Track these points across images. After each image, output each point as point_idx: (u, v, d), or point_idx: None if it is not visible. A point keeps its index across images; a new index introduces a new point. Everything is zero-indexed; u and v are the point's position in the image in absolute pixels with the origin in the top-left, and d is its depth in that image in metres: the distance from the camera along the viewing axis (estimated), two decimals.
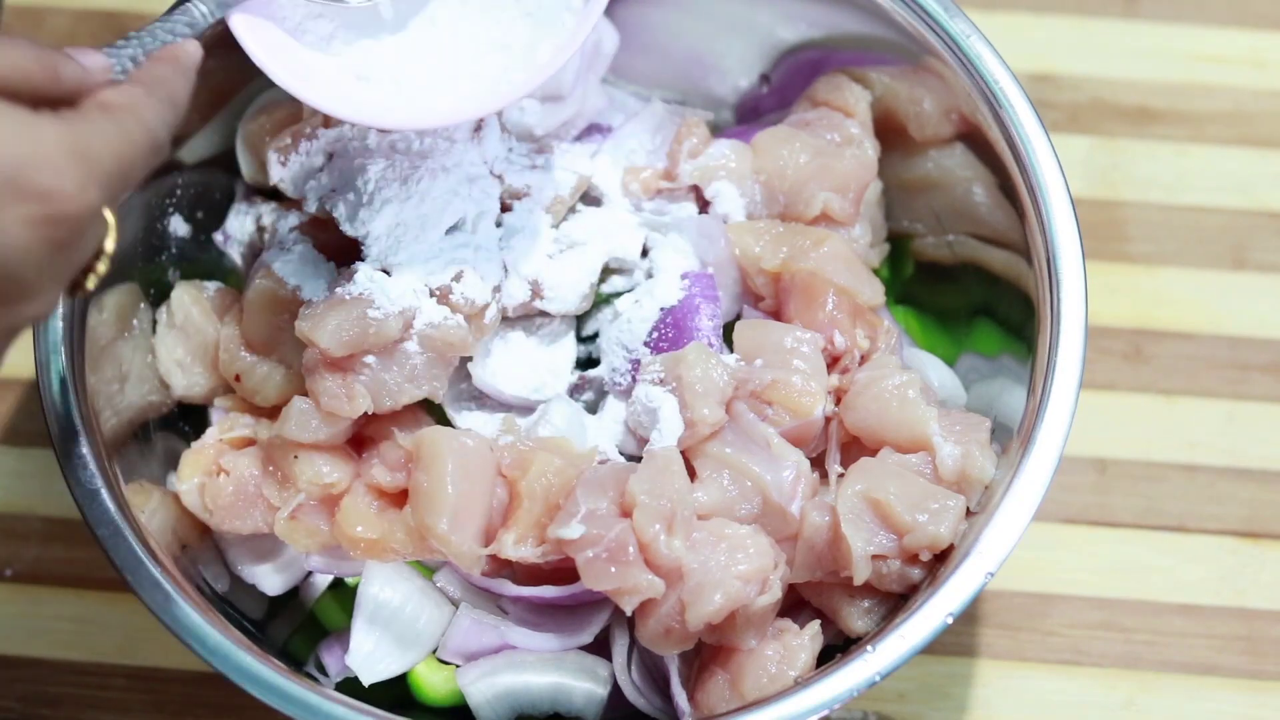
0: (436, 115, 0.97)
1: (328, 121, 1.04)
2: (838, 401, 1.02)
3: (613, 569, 0.94)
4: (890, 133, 1.10)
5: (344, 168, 1.03)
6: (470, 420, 1.04)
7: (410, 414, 1.02)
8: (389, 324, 0.99)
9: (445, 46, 0.99)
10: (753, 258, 1.05)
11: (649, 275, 1.05)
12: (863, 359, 1.04)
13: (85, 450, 0.97)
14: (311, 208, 1.04)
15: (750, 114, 1.16)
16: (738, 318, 1.06)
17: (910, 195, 1.12)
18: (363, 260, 1.01)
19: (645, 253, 1.07)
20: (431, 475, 0.97)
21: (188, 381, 1.05)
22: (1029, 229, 1.02)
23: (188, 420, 1.08)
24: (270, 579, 1.06)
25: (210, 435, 1.04)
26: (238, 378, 1.03)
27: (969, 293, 1.11)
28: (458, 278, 1.00)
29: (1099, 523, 1.17)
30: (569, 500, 0.97)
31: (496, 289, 1.01)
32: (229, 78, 1.09)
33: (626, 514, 0.96)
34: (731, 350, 1.03)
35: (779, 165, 1.07)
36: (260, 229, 1.08)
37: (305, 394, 1.00)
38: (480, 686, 1.01)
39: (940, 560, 0.98)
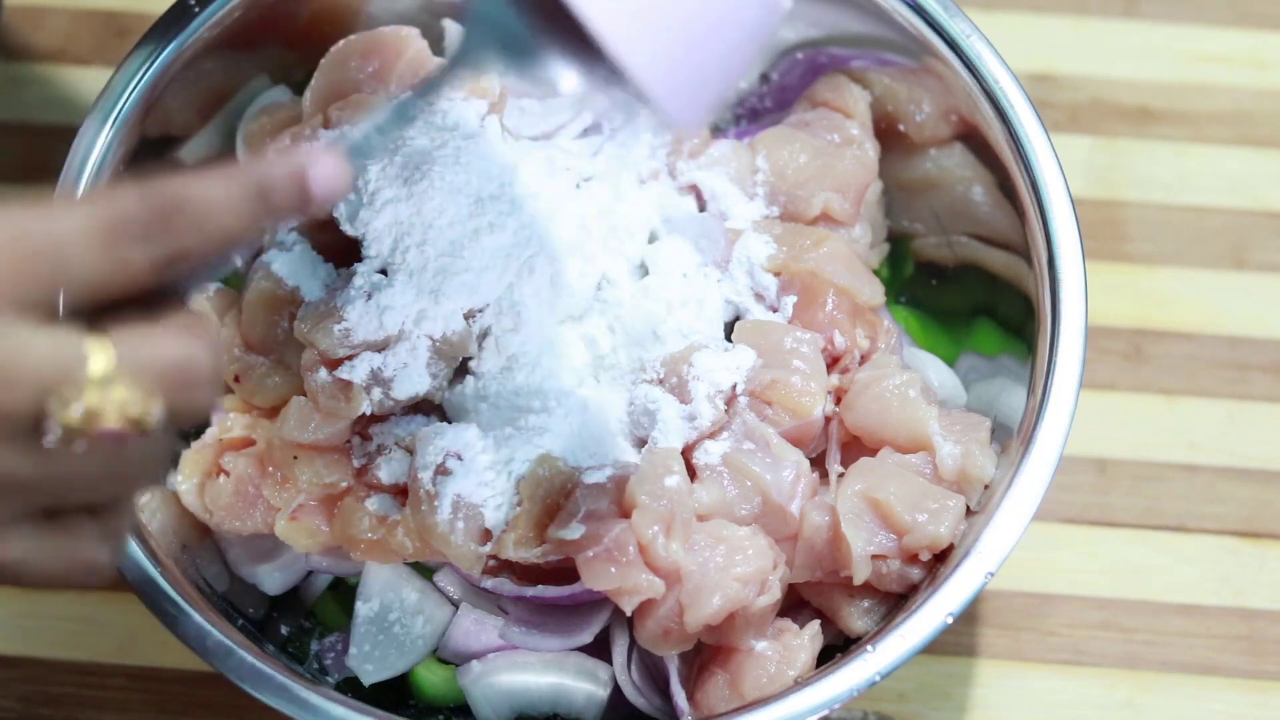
0: None
1: (327, 122, 1.04)
2: (838, 401, 1.02)
3: (612, 569, 0.94)
4: (890, 133, 1.10)
5: None
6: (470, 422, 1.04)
7: (410, 414, 1.02)
8: (388, 324, 0.99)
9: None
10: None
11: (646, 273, 1.05)
12: (863, 359, 1.04)
13: None
14: None
15: (750, 114, 1.16)
16: (738, 317, 1.06)
17: (910, 195, 1.12)
18: (362, 260, 1.01)
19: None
20: None
21: None
22: (1029, 229, 1.02)
23: None
24: (270, 579, 1.06)
25: (210, 435, 1.04)
26: (237, 378, 1.03)
27: (969, 293, 1.11)
28: (458, 276, 1.00)
29: (1099, 523, 1.17)
30: (569, 501, 0.97)
31: None
32: (229, 78, 1.09)
33: (626, 515, 0.96)
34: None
35: (779, 165, 1.07)
36: (260, 229, 1.07)
37: (304, 394, 1.00)
38: (480, 686, 1.02)
39: (940, 560, 0.98)
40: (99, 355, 0.70)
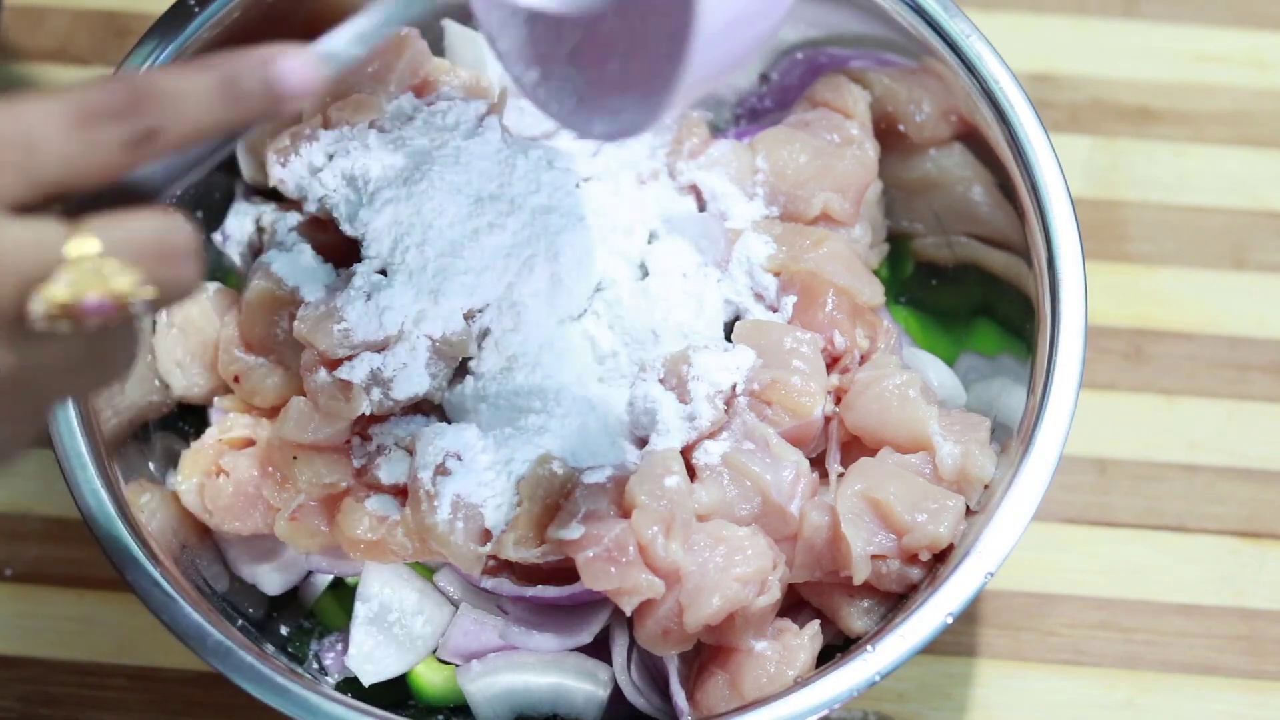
0: None
1: (327, 122, 1.04)
2: (838, 401, 1.02)
3: (612, 569, 0.94)
4: (890, 133, 1.10)
5: (344, 168, 1.03)
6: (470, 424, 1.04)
7: (410, 414, 1.02)
8: (388, 324, 0.99)
9: None
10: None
11: (646, 273, 1.05)
12: (863, 359, 1.04)
13: (85, 450, 0.97)
14: (312, 208, 1.04)
15: (750, 114, 1.16)
16: (738, 317, 1.06)
17: (910, 195, 1.12)
18: (362, 260, 1.01)
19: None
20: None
21: (187, 381, 1.06)
22: (1029, 229, 1.02)
23: (188, 420, 1.08)
24: (270, 579, 1.06)
25: (210, 435, 1.04)
26: (236, 378, 1.03)
27: (969, 293, 1.11)
28: (458, 277, 1.00)
29: (1099, 523, 1.17)
30: (569, 501, 0.97)
31: None
32: None
33: (626, 515, 0.96)
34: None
35: (779, 165, 1.07)
36: (260, 229, 1.08)
37: (304, 394, 1.00)
38: (480, 686, 1.02)
39: (940, 560, 0.98)
40: (78, 237, 0.70)
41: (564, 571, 0.99)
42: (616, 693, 1.02)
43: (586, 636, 1.02)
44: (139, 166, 0.72)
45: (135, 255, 0.71)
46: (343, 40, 0.78)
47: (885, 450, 1.00)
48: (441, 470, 0.98)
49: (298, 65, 0.74)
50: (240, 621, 1.00)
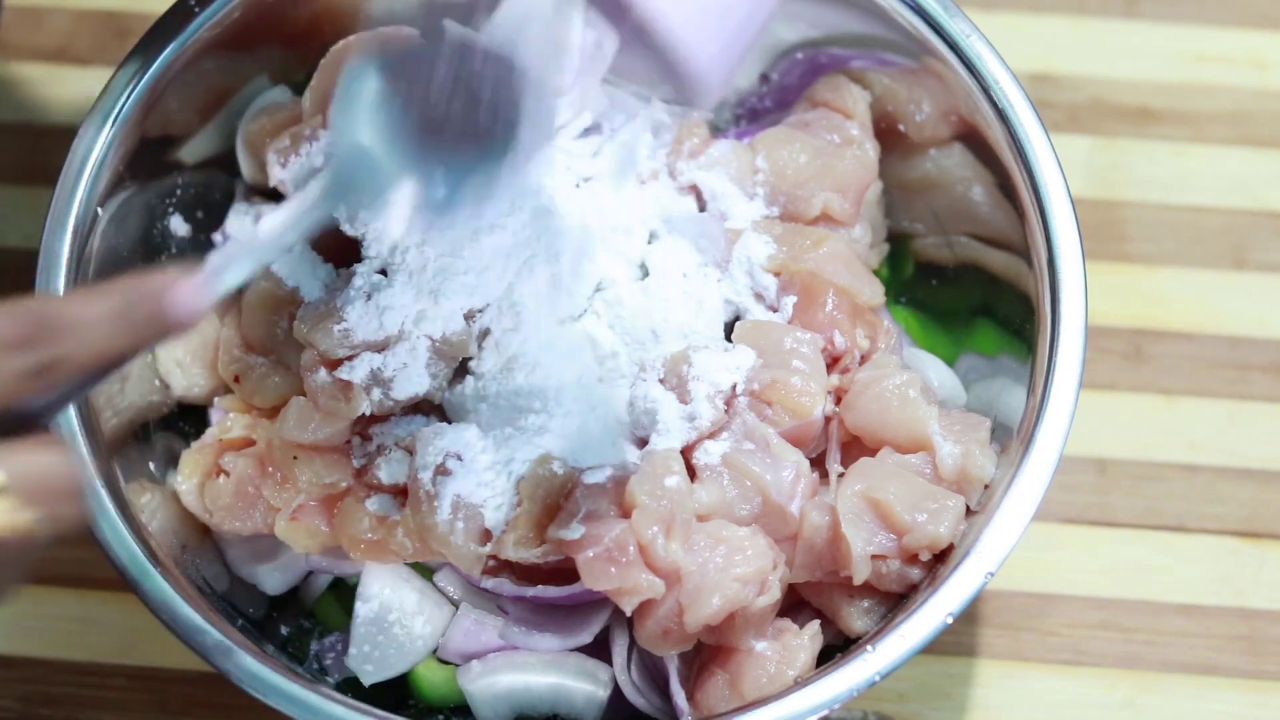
0: None
1: (326, 122, 1.04)
2: (838, 401, 1.02)
3: (612, 569, 0.94)
4: (890, 133, 1.10)
5: None
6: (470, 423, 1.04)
7: (410, 414, 1.02)
8: (388, 324, 0.99)
9: None
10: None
11: (646, 273, 1.05)
12: (863, 359, 1.04)
13: (85, 450, 0.97)
14: None
15: (750, 114, 1.15)
16: (738, 317, 1.06)
17: (910, 195, 1.12)
18: (362, 260, 1.01)
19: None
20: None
21: (187, 382, 1.05)
22: (1029, 229, 1.02)
23: (188, 420, 1.08)
24: (270, 578, 1.06)
25: (210, 435, 1.04)
26: (237, 378, 1.03)
27: (969, 293, 1.11)
28: (458, 277, 1.00)
29: (1099, 523, 1.17)
30: (569, 501, 0.97)
31: None
32: (229, 78, 1.09)
33: (626, 515, 0.96)
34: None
35: (779, 165, 1.07)
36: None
37: (304, 394, 1.00)
38: (480, 686, 1.02)
39: (940, 560, 0.98)
40: None
41: (564, 571, 0.99)
42: (616, 693, 1.02)
43: (586, 636, 1.02)
44: (38, 395, 0.72)
45: (33, 490, 0.71)
46: (233, 260, 0.80)
47: (885, 450, 1.00)
48: (441, 470, 0.98)
49: (188, 295, 0.76)
50: (240, 621, 1.00)
